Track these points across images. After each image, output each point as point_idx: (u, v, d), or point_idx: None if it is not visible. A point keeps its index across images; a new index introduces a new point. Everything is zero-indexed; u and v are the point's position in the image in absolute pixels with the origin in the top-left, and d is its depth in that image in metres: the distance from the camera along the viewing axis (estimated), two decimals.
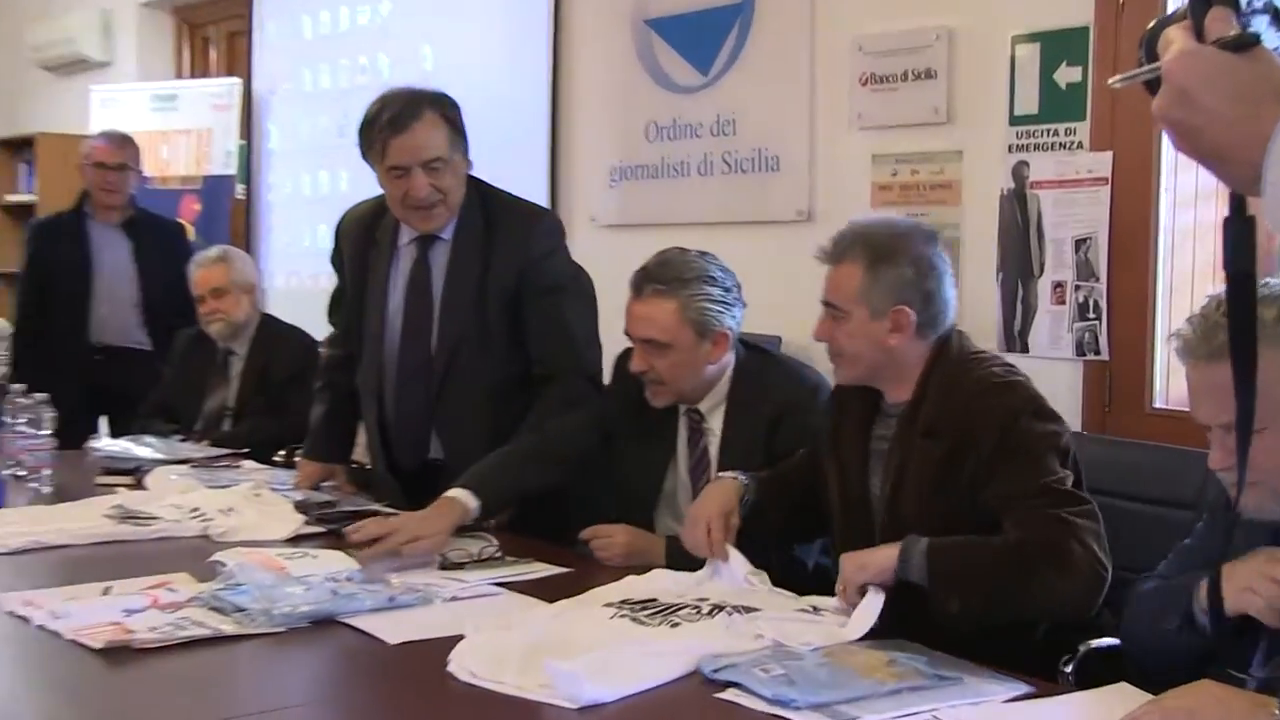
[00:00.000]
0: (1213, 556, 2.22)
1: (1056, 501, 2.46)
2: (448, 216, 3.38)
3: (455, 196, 3.36)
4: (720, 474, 2.95)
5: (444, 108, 3.35)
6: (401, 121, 3.28)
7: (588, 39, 5.42)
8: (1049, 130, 3.84)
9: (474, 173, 3.41)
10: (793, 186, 4.53)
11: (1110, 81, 1.38)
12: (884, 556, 2.46)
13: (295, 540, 3.10)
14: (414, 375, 3.42)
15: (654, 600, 2.54)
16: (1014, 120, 3.91)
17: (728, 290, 3.15)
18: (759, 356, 3.30)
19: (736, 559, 2.73)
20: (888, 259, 2.67)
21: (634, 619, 2.44)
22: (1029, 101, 3.90)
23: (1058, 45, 3.83)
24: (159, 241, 5.84)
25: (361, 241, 3.54)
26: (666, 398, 3.20)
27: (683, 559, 2.89)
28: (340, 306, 3.69)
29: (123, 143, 5.86)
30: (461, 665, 2.17)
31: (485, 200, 3.44)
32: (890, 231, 2.75)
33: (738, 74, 4.81)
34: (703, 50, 4.92)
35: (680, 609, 2.49)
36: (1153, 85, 1.25)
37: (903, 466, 2.66)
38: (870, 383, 2.77)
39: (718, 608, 2.49)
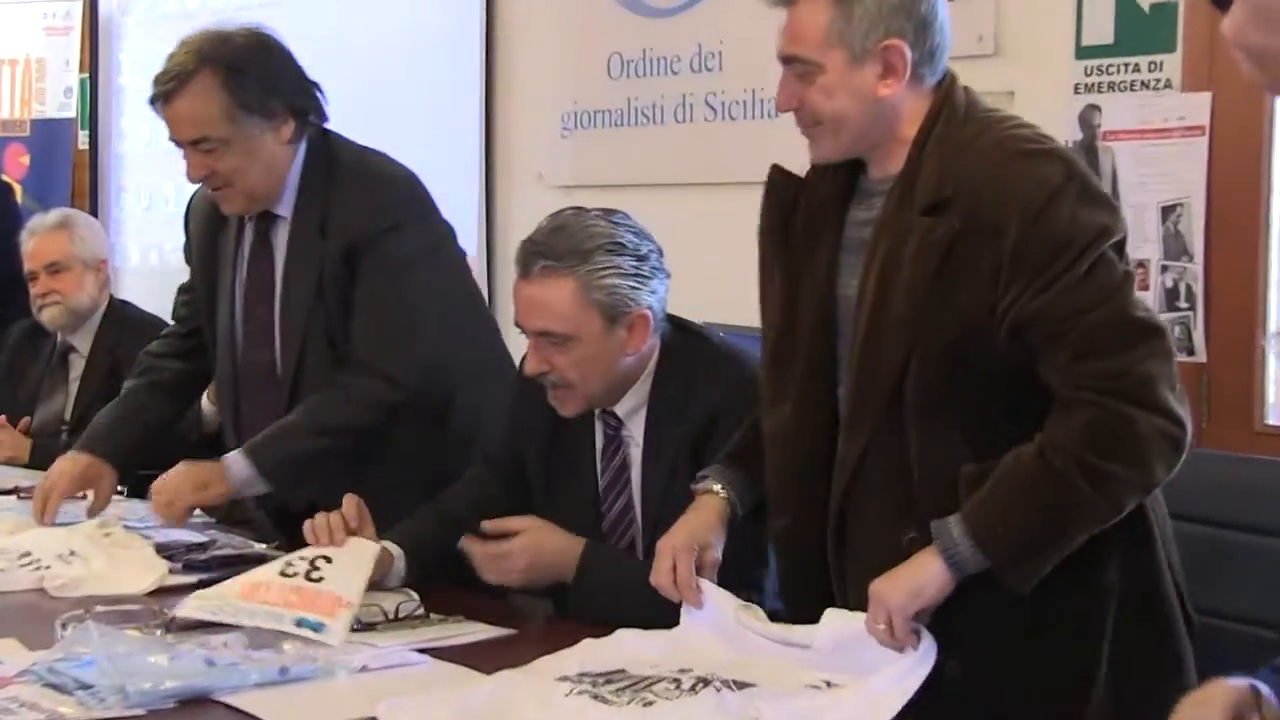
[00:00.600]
0: None
1: (1104, 341, 2.37)
2: (246, 201, 3.44)
3: (250, 177, 3.41)
4: (697, 483, 2.84)
5: (228, 69, 3.37)
6: (165, 90, 3.38)
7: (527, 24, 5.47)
8: (1127, 65, 3.85)
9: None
10: (795, 137, 4.51)
11: None
12: (930, 568, 2.41)
13: (158, 593, 3.08)
14: (258, 385, 3.49)
15: (621, 671, 2.52)
16: (1081, 52, 3.92)
17: (643, 259, 3.04)
18: (689, 341, 3.21)
19: (718, 597, 2.69)
20: None
21: (594, 695, 2.41)
22: (1101, 27, 3.90)
23: None
24: None
25: (211, 221, 3.60)
26: (576, 404, 3.11)
27: (604, 573, 2.95)
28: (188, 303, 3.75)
29: None
30: None
31: (332, 165, 3.48)
32: None
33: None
34: None
35: (655, 683, 2.46)
36: (1221, 1, 1.21)
37: (892, 251, 2.52)
38: (857, 149, 2.63)
39: (703, 681, 2.46)
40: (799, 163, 2.81)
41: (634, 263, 3.01)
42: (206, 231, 3.59)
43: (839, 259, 2.63)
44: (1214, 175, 3.71)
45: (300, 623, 2.77)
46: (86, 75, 7.43)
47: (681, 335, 3.17)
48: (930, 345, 2.45)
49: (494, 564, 3.00)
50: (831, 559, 2.63)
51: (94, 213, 7.06)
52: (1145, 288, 3.77)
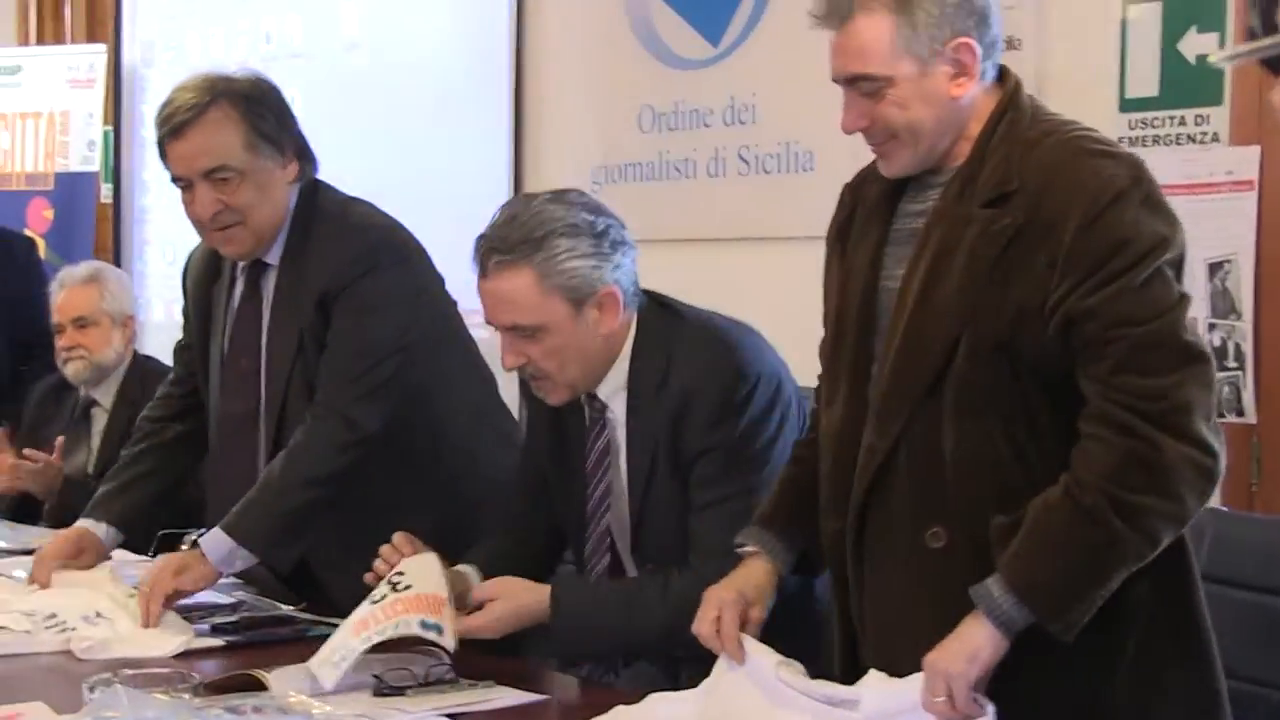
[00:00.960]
0: None
1: (1149, 360, 2.35)
2: (253, 241, 3.44)
3: (261, 214, 3.41)
4: (745, 542, 2.80)
5: (245, 99, 3.40)
6: (178, 123, 3.38)
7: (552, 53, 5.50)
8: (1173, 118, 3.85)
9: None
10: (830, 191, 4.51)
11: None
12: (981, 633, 2.39)
13: (185, 655, 3.07)
14: (235, 436, 3.53)
15: None
16: (1125, 105, 3.93)
17: (601, 235, 3.03)
18: (666, 318, 3.19)
19: (759, 652, 2.66)
20: None
21: None
22: (1146, 80, 3.91)
23: (1185, 4, 3.83)
24: None
25: (206, 276, 3.64)
26: (559, 393, 3.12)
27: (578, 609, 2.95)
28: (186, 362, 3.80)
29: None
30: None
31: (318, 213, 3.51)
32: None
33: (757, 45, 4.88)
34: (713, 13, 4.99)
35: None
36: (1274, 64, 1.19)
37: (948, 246, 2.52)
38: (933, 157, 2.61)
39: None
40: (828, 218, 2.85)
41: (591, 242, 3.01)
42: (202, 285, 3.63)
43: (884, 251, 2.63)
44: (1263, 230, 3.71)
45: (424, 624, 2.85)
46: (110, 128, 7.47)
47: (658, 311, 3.16)
48: (979, 337, 2.44)
49: (479, 631, 3.00)
50: (850, 569, 2.62)
51: (117, 266, 7.11)
52: (1206, 354, 3.71)
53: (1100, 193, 2.40)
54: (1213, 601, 3.07)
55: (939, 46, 2.51)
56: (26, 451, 4.67)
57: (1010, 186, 2.46)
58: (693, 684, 2.71)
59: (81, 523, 3.63)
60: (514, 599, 3.01)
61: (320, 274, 3.40)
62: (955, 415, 2.46)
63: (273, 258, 3.47)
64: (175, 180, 3.42)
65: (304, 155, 3.50)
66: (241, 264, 3.53)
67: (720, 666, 2.67)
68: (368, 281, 3.38)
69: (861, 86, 2.54)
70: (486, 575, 3.11)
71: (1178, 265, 2.42)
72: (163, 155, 3.45)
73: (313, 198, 3.50)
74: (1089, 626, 2.46)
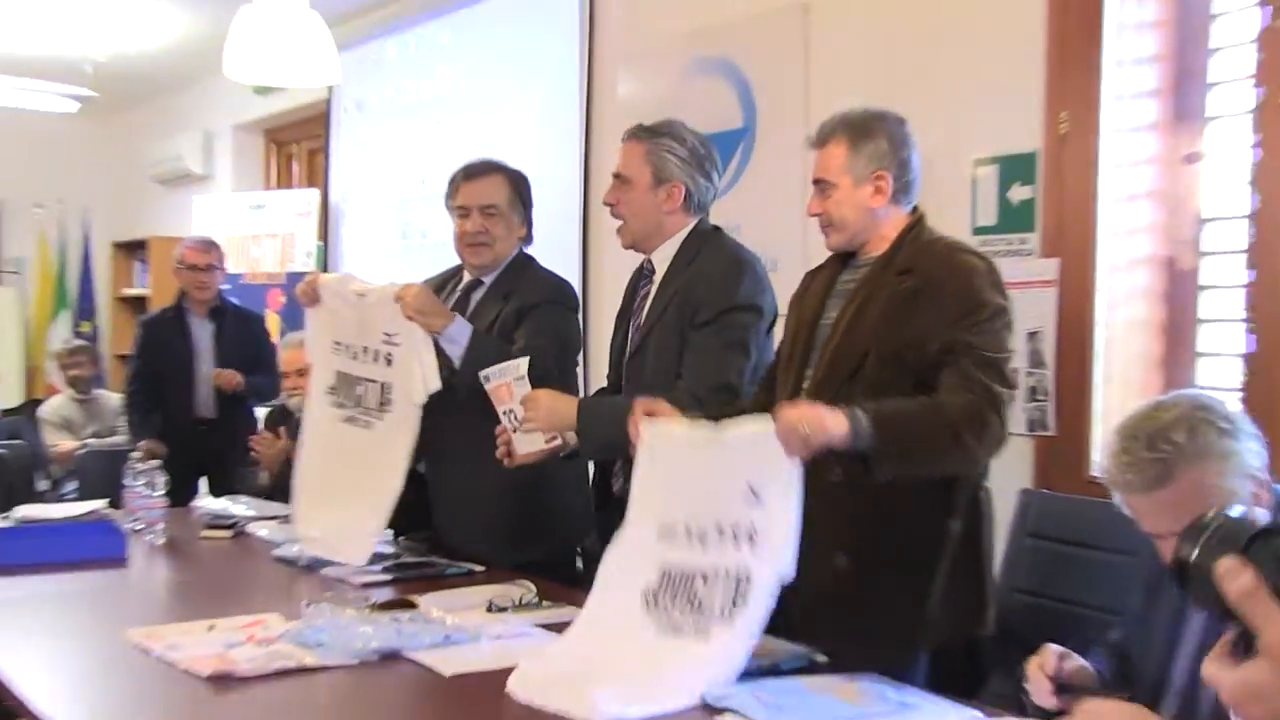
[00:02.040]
0: (1157, 622, 2.23)
1: (989, 372, 2.48)
2: (491, 257, 3.52)
3: (502, 245, 3.53)
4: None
5: (514, 177, 3.58)
6: (473, 173, 3.54)
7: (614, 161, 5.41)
8: (1005, 239, 3.85)
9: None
10: (789, 284, 4.49)
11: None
12: (839, 426, 2.34)
13: (365, 586, 3.12)
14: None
15: (676, 569, 2.43)
16: (976, 230, 3.92)
17: (699, 158, 3.19)
18: (712, 234, 3.26)
19: (664, 428, 2.60)
20: (866, 135, 2.71)
21: (666, 624, 2.38)
22: (988, 215, 3.90)
23: (1012, 167, 3.85)
24: (238, 329, 5.97)
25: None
26: (625, 237, 3.26)
27: (596, 422, 2.99)
28: None
29: (208, 245, 6.00)
30: (523, 686, 2.20)
31: (525, 261, 3.60)
32: (866, 114, 2.76)
33: (742, 188, 4.81)
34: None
35: (699, 578, 2.39)
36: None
37: (868, 298, 2.64)
38: (854, 243, 2.75)
39: (733, 533, 2.38)
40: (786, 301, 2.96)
41: (687, 154, 3.19)
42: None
43: (826, 303, 2.75)
44: (1061, 313, 3.71)
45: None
46: (321, 243, 7.50)
47: (712, 230, 3.27)
48: (881, 352, 2.57)
49: (532, 419, 3.10)
50: None
51: None
52: (1016, 386, 3.65)
53: (967, 274, 2.58)
54: (1038, 551, 3.16)
55: (867, 174, 2.70)
56: (264, 432, 4.86)
57: (913, 266, 2.61)
58: None
59: None
60: (553, 395, 3.12)
61: (533, 293, 3.49)
62: (862, 397, 2.51)
63: (488, 279, 3.56)
64: (457, 209, 3.55)
65: (529, 228, 3.62)
66: (467, 279, 3.61)
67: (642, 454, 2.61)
68: (551, 308, 3.48)
69: (821, 187, 2.75)
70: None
71: (1010, 325, 2.60)
72: (449, 193, 3.59)
73: (525, 256, 3.61)
74: (918, 553, 2.57)
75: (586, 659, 2.33)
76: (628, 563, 2.53)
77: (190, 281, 5.89)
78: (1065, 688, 2.15)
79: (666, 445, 2.55)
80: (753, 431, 2.39)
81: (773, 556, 2.29)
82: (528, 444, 3.18)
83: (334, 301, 3.51)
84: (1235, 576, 1.00)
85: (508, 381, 3.17)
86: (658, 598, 2.44)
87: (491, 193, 3.53)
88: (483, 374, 3.20)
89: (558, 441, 3.14)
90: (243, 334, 5.97)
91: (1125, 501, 2.11)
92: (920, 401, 2.49)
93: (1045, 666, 2.16)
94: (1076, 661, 2.19)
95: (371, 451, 3.41)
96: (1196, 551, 1.06)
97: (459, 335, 3.32)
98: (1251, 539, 1.04)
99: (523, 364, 3.17)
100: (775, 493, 2.32)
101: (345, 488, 3.42)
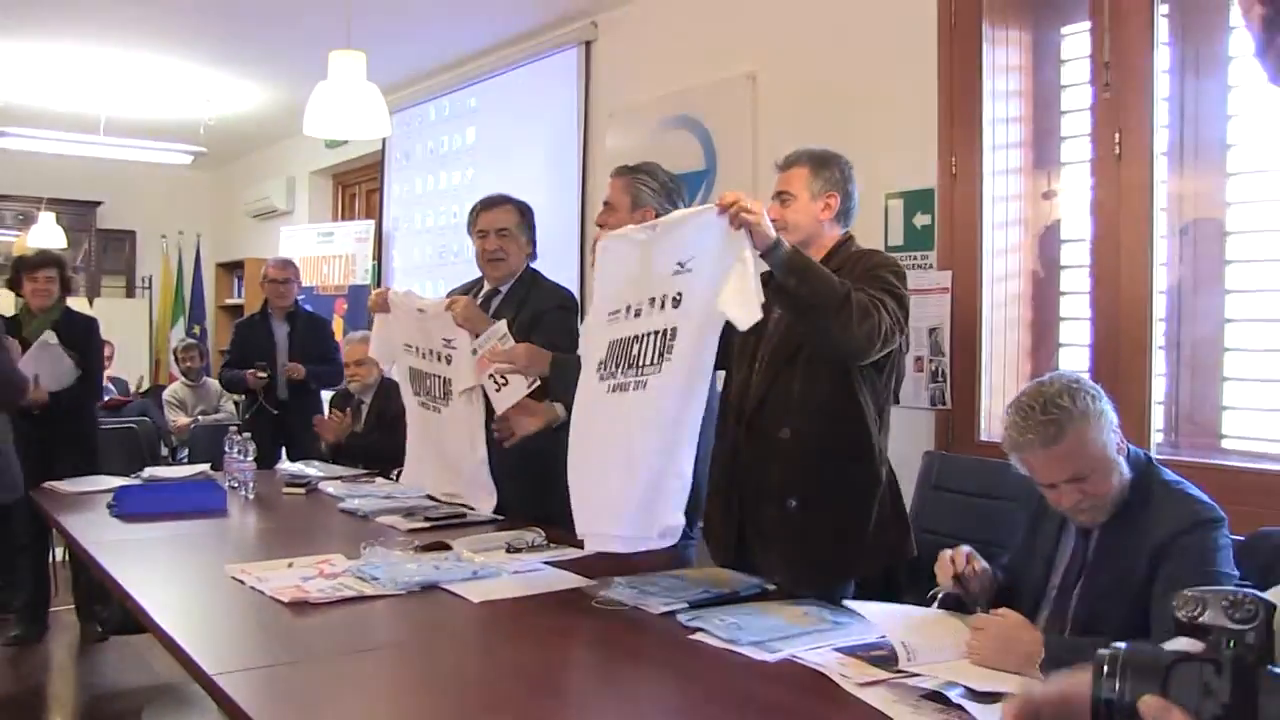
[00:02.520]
0: (1038, 548, 2.22)
1: (880, 304, 2.37)
2: (506, 270, 3.47)
3: (513, 260, 3.47)
4: None
5: (521, 206, 3.52)
6: (489, 203, 3.50)
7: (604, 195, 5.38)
8: (910, 256, 3.82)
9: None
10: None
11: None
12: (768, 223, 2.19)
13: (412, 531, 3.07)
14: None
15: (618, 340, 2.32)
16: (888, 248, 3.87)
17: (665, 186, 3.10)
18: None
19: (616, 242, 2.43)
20: (825, 164, 2.65)
21: (612, 385, 2.30)
22: (897, 236, 3.88)
23: (915, 200, 3.82)
24: (308, 329, 5.90)
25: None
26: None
27: (566, 367, 2.80)
28: None
29: (285, 264, 5.94)
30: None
31: (537, 274, 3.54)
32: (825, 150, 2.70)
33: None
34: (680, 204, 4.88)
35: (634, 342, 2.28)
36: None
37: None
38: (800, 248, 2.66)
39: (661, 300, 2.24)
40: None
41: (658, 185, 3.09)
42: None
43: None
44: (954, 312, 3.69)
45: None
46: (376, 261, 7.44)
47: None
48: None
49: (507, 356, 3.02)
50: (740, 454, 2.60)
51: None
52: (920, 370, 3.73)
53: (878, 265, 2.51)
54: (940, 500, 3.13)
55: (821, 193, 2.63)
56: (333, 411, 4.77)
57: (841, 266, 2.51)
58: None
59: None
60: (531, 346, 3.02)
61: (543, 301, 3.40)
62: (802, 370, 2.50)
63: (504, 288, 3.48)
64: (478, 232, 3.47)
65: (534, 247, 3.54)
66: (487, 288, 3.52)
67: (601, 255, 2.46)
68: (560, 313, 3.39)
69: (782, 197, 2.65)
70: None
71: (901, 302, 2.47)
72: (470, 221, 3.51)
73: (532, 270, 3.53)
74: (855, 496, 2.49)
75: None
76: (588, 349, 2.44)
77: (272, 292, 5.83)
78: (960, 581, 2.12)
79: (618, 244, 2.40)
80: (689, 212, 2.26)
81: (704, 304, 2.13)
82: (512, 396, 3.11)
83: (399, 312, 3.47)
84: (1163, 716, 0.82)
85: (493, 345, 3.14)
86: (605, 365, 2.35)
87: (504, 218, 3.49)
88: (471, 346, 3.19)
89: (536, 382, 3.06)
90: (312, 333, 5.90)
91: (1023, 460, 2.06)
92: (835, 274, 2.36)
93: (956, 559, 2.14)
94: (981, 563, 2.15)
95: (443, 430, 3.38)
96: (1116, 691, 0.85)
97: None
98: (1168, 669, 0.84)
99: (501, 325, 3.16)
100: (707, 259, 2.15)
101: (434, 458, 3.45)
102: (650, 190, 3.14)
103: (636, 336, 2.28)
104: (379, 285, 7.36)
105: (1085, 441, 2.02)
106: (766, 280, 2.24)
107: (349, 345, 5.01)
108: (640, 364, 2.26)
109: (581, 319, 3.53)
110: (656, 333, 2.23)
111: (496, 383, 3.14)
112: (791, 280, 2.26)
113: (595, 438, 2.36)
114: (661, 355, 2.21)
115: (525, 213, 3.55)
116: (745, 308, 2.07)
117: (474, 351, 3.18)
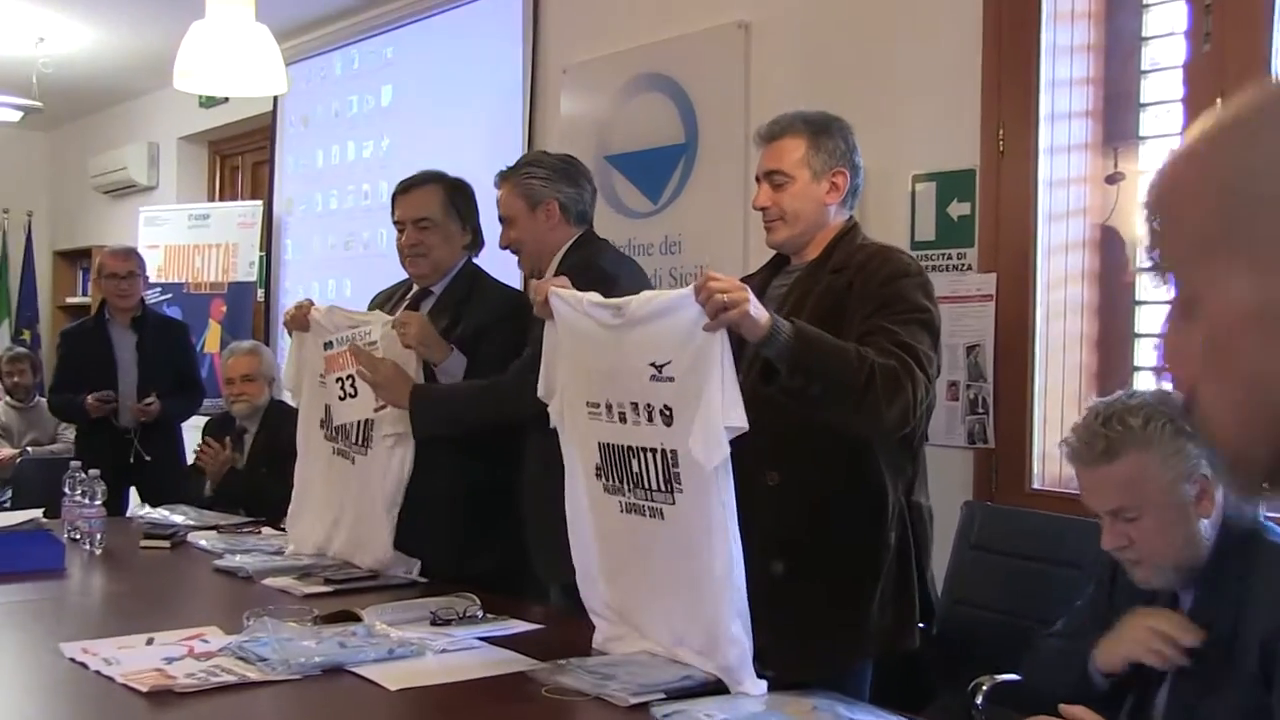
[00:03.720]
0: (1100, 615, 2.23)
1: (909, 352, 2.38)
2: (429, 267, 3.45)
3: (440, 254, 3.45)
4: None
5: (450, 186, 3.49)
6: (407, 186, 3.48)
7: None
8: (943, 254, 3.84)
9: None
10: None
11: None
12: (758, 309, 2.21)
13: (309, 597, 3.04)
14: None
15: (608, 445, 2.41)
16: (914, 245, 3.89)
17: (556, 170, 3.22)
18: (589, 243, 3.29)
19: (569, 299, 2.50)
20: (825, 132, 2.66)
21: (625, 503, 2.39)
22: (927, 230, 3.89)
23: (950, 184, 3.83)
24: (161, 339, 5.80)
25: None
26: (526, 267, 3.35)
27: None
28: None
29: (128, 254, 5.83)
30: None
31: (475, 277, 3.51)
32: (822, 114, 2.71)
33: (683, 202, 4.79)
34: (653, 182, 4.91)
35: (631, 456, 2.36)
36: None
37: (804, 295, 2.58)
38: (797, 243, 2.68)
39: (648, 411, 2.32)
40: None
41: (547, 171, 3.24)
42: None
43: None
44: (999, 326, 3.70)
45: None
46: (263, 253, 7.41)
47: (589, 240, 3.32)
48: None
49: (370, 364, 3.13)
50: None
51: (265, 342, 7.08)
52: (956, 399, 3.74)
53: (896, 273, 2.52)
54: (980, 563, 3.11)
55: (827, 170, 2.64)
56: (209, 440, 4.70)
57: (846, 265, 2.54)
58: None
59: None
60: (399, 373, 3.15)
61: (482, 315, 3.37)
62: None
63: (437, 289, 3.47)
64: (396, 224, 3.49)
65: (476, 235, 3.53)
66: (415, 289, 3.52)
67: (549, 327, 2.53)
68: (506, 326, 3.33)
69: (774, 179, 2.65)
70: None
71: (934, 333, 2.50)
72: (391, 208, 3.53)
73: (474, 266, 3.54)
74: (853, 562, 2.50)
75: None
76: (575, 445, 2.52)
77: (111, 290, 5.68)
78: None
79: (575, 316, 2.45)
80: (660, 297, 2.29)
81: (704, 432, 2.18)
82: (354, 412, 3.24)
83: (319, 332, 3.45)
84: None
85: (356, 344, 3.25)
86: (605, 474, 2.44)
87: (423, 205, 3.46)
88: (325, 341, 3.32)
89: (385, 409, 3.17)
90: (166, 343, 5.80)
91: (1076, 474, 2.18)
92: (849, 345, 2.37)
93: None
94: None
95: (355, 485, 3.38)
96: None
97: (455, 368, 3.27)
98: None
99: (382, 321, 3.26)
100: (686, 367, 2.22)
101: (333, 521, 3.47)
102: (540, 180, 3.21)
103: (631, 450, 2.37)
104: (266, 281, 7.38)
105: (1143, 474, 2.06)
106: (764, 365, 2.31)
107: (232, 358, 4.96)
108: (647, 486, 2.35)
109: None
110: (653, 451, 2.32)
111: (345, 390, 3.23)
112: (798, 381, 2.28)
113: (618, 549, 2.47)
114: (670, 484, 2.31)
115: (455, 194, 3.52)
116: (709, 448, 2.17)
117: (328, 345, 3.25)
